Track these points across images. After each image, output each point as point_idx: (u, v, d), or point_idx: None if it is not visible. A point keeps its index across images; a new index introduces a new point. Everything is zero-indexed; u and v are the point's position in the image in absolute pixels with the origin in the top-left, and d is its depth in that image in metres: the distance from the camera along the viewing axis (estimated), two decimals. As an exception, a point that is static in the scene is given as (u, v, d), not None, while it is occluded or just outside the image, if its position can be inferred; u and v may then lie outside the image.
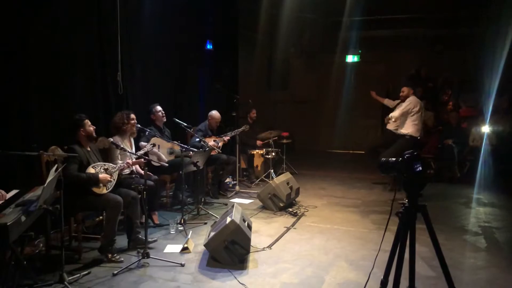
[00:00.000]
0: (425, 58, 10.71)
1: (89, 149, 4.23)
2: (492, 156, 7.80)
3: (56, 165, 3.35)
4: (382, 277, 2.60)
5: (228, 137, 6.60)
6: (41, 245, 4.07)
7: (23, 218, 3.00)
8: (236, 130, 6.82)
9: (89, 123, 4.19)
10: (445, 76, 10.20)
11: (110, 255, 4.01)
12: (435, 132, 8.86)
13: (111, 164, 4.30)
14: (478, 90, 8.88)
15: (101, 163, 4.23)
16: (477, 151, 8.01)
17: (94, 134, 4.23)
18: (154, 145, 4.80)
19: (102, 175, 4.05)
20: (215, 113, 6.81)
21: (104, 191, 4.06)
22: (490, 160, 7.78)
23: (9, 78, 4.13)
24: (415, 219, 2.49)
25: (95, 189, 3.99)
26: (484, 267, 4.08)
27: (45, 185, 3.09)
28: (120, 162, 4.41)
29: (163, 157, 5.61)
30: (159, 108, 5.89)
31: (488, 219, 5.69)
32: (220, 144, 6.41)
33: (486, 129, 8.12)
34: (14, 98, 4.21)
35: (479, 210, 6.17)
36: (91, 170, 4.05)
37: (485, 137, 8.01)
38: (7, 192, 3.42)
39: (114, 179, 4.18)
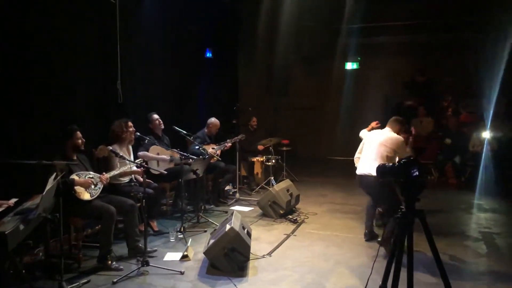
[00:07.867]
0: (424, 64, 10.72)
1: (75, 158, 4.23)
2: (493, 161, 7.79)
3: (54, 173, 3.36)
4: (381, 283, 2.60)
5: (221, 147, 6.51)
6: (41, 253, 4.07)
7: (21, 227, 3.01)
8: (233, 139, 6.80)
9: (79, 135, 4.19)
10: (445, 82, 10.21)
11: (109, 263, 4.01)
12: (435, 138, 8.86)
13: (97, 174, 4.28)
14: (479, 96, 8.88)
15: (87, 172, 4.23)
16: (478, 156, 8.01)
17: (82, 147, 4.23)
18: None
19: (82, 179, 4.05)
20: (214, 120, 6.84)
21: (88, 197, 4.05)
22: (491, 165, 7.78)
23: (9, 88, 4.15)
24: (412, 224, 2.50)
25: (77, 194, 3.98)
26: (485, 273, 4.07)
27: (44, 193, 3.10)
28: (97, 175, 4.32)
29: (164, 156, 5.64)
30: (155, 116, 5.90)
31: (488, 225, 5.67)
32: (218, 152, 6.39)
33: (486, 134, 8.12)
34: (14, 107, 4.22)
35: (479, 216, 6.15)
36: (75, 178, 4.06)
37: (485, 142, 8.01)
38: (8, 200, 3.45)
39: (99, 188, 4.18)
